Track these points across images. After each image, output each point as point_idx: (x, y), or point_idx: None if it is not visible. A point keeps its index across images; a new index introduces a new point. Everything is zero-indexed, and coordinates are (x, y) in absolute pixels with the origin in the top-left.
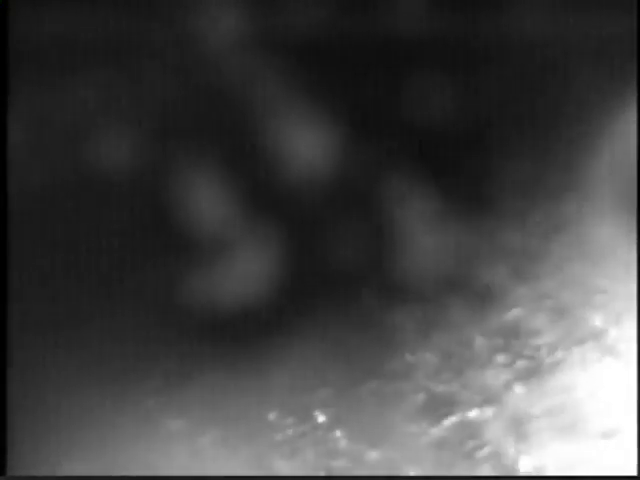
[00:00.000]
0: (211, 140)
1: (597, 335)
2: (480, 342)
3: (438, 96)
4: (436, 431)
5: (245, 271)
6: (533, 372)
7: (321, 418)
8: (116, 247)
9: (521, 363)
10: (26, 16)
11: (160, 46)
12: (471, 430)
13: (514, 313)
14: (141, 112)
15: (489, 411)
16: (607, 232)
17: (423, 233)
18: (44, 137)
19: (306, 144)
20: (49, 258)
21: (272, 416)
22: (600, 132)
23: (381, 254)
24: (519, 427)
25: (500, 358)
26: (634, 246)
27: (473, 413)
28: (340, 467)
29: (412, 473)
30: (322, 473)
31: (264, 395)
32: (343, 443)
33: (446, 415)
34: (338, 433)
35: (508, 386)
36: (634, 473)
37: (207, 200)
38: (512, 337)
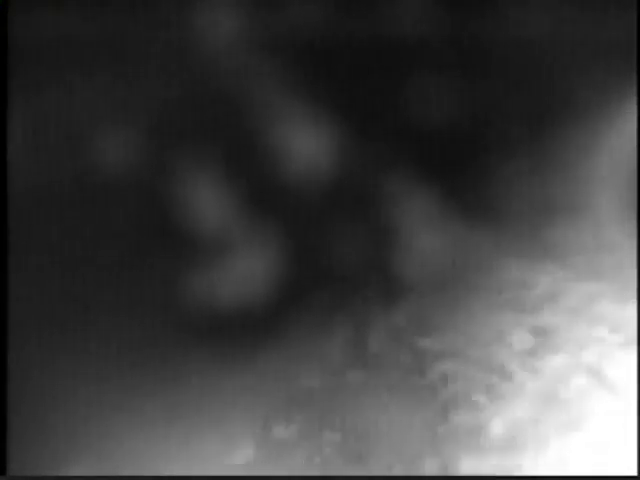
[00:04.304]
0: (211, 140)
1: (596, 337)
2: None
3: (438, 96)
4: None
5: (245, 271)
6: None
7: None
8: (116, 247)
9: (521, 361)
10: (26, 16)
11: (160, 46)
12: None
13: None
14: (141, 112)
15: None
16: (607, 232)
17: (423, 233)
18: (44, 137)
19: (306, 144)
20: (49, 258)
21: (270, 415)
22: (600, 132)
23: (381, 254)
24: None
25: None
26: (634, 246)
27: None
28: (339, 468)
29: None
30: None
31: (263, 394)
32: (339, 443)
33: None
34: (338, 436)
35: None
36: (634, 473)
37: (207, 200)
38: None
